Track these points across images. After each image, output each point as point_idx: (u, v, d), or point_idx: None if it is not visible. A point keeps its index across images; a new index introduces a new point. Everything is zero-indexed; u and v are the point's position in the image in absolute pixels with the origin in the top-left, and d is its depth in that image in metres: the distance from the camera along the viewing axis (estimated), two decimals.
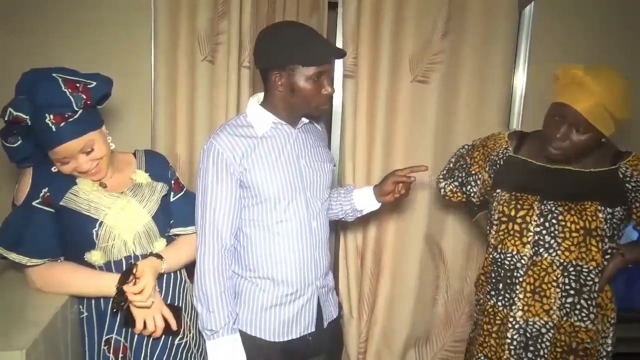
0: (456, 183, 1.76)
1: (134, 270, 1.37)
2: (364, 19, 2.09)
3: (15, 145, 1.35)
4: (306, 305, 1.56)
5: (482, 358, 1.63)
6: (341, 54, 1.47)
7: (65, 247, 1.41)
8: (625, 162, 1.50)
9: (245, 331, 1.51)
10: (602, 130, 1.43)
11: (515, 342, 1.53)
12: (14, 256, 1.34)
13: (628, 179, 1.48)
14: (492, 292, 1.59)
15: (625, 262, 1.50)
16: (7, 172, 1.97)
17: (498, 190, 1.59)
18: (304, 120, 1.54)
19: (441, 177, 1.84)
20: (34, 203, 1.36)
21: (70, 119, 1.31)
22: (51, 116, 1.29)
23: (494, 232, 1.58)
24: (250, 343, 1.51)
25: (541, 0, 2.23)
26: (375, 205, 1.72)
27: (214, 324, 1.44)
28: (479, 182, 1.69)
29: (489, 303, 1.60)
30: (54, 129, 1.29)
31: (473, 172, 1.70)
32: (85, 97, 1.33)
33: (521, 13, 2.22)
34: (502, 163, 1.61)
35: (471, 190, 1.72)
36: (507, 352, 1.54)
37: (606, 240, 1.47)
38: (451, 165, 1.82)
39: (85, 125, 1.35)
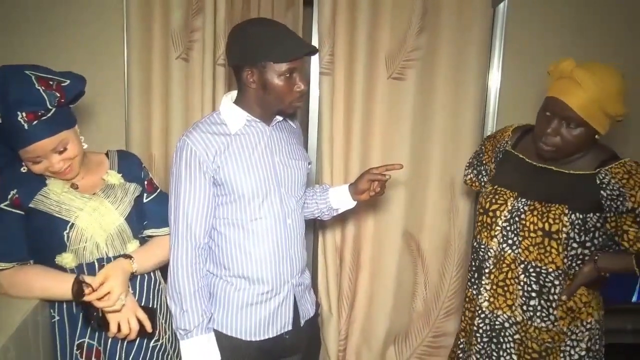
0: (475, 172, 1.74)
1: (81, 278, 1.33)
2: (339, 16, 2.09)
3: None
4: (282, 303, 1.55)
5: (463, 342, 1.68)
6: (312, 50, 1.46)
7: (35, 250, 1.37)
8: (607, 168, 1.41)
9: (220, 331, 1.50)
10: (594, 125, 1.37)
11: (481, 331, 1.56)
12: None
13: (604, 186, 1.39)
14: (470, 280, 1.62)
15: (597, 270, 1.42)
16: None
17: (487, 183, 1.61)
18: (278, 118, 1.52)
19: (467, 164, 1.82)
20: (2, 205, 1.32)
21: (44, 117, 1.27)
22: (23, 114, 1.24)
23: (476, 222, 1.62)
24: (226, 343, 1.49)
25: None
26: (351, 203, 1.72)
27: (187, 324, 1.42)
28: (488, 171, 1.67)
29: (469, 290, 1.63)
30: (26, 127, 1.25)
31: (484, 162, 1.70)
32: (59, 95, 1.30)
33: (495, 10, 2.24)
34: (501, 156, 1.62)
35: (482, 179, 1.70)
36: (475, 338, 1.58)
37: (575, 245, 1.42)
38: (474, 154, 1.80)
39: (59, 124, 1.31)
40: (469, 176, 1.78)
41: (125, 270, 1.38)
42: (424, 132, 2.23)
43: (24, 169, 1.37)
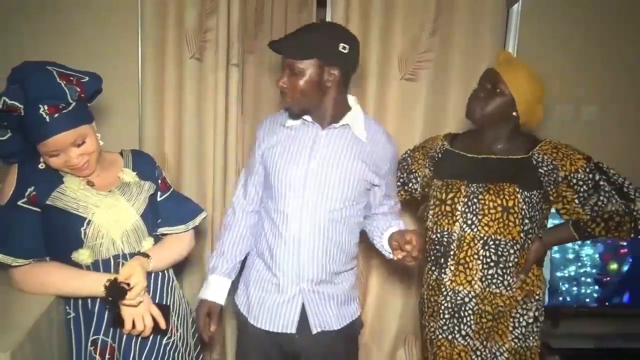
0: (400, 182, 1.88)
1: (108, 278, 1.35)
2: (352, 16, 2.09)
3: (4, 138, 1.33)
4: (287, 303, 1.59)
5: (432, 325, 1.74)
6: (274, 47, 1.53)
7: (51, 247, 1.38)
8: (538, 148, 1.64)
9: (242, 312, 1.68)
10: (515, 96, 1.60)
11: (443, 307, 1.69)
12: None
13: (540, 164, 1.62)
14: (433, 267, 1.73)
15: (544, 245, 1.66)
16: None
17: (435, 180, 1.75)
18: (335, 124, 1.57)
19: None
20: (19, 202, 1.33)
21: (65, 110, 1.30)
22: (45, 107, 1.27)
23: (430, 216, 1.73)
24: (245, 328, 1.67)
25: None
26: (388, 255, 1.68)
27: (214, 263, 1.70)
28: (419, 178, 1.84)
29: (432, 277, 1.73)
30: (47, 120, 1.28)
31: (414, 170, 1.85)
32: (79, 90, 1.33)
33: (509, 11, 2.24)
34: (439, 156, 1.78)
35: (412, 187, 1.87)
36: (439, 314, 1.70)
37: (526, 220, 1.61)
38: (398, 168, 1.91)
39: (79, 117, 1.34)
40: None
41: (143, 268, 1.40)
42: (436, 133, 2.21)
43: (41, 165, 1.39)
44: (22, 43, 2.03)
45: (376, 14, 2.09)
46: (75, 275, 1.37)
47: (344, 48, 1.49)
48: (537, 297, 1.68)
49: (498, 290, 1.64)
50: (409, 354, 2.39)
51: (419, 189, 1.86)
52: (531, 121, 1.69)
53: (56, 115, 1.29)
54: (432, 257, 1.73)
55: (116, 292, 1.33)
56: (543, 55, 2.25)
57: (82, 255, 1.38)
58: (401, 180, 1.88)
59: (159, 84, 2.08)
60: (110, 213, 1.40)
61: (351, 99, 1.63)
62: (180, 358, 1.54)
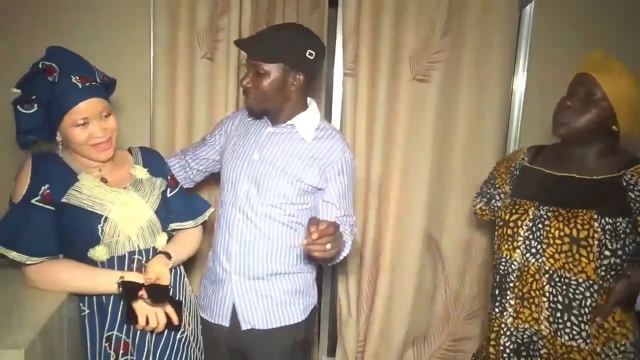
0: (485, 199, 1.70)
1: (122, 279, 1.39)
2: (364, 17, 2.09)
3: (30, 112, 1.35)
4: (219, 292, 1.63)
5: None
6: (241, 46, 1.58)
7: (66, 245, 1.40)
8: (633, 169, 1.38)
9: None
10: (615, 108, 1.35)
11: (508, 350, 1.49)
12: (13, 254, 1.32)
13: (632, 187, 1.35)
14: (491, 299, 1.57)
15: (631, 285, 1.35)
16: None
17: (507, 199, 1.55)
18: (289, 122, 1.59)
19: (476, 194, 1.79)
20: (33, 201, 1.34)
21: (94, 83, 1.40)
22: (77, 77, 1.36)
23: (495, 239, 1.55)
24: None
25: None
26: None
27: None
28: (502, 195, 1.63)
29: (492, 311, 1.57)
30: (80, 87, 1.35)
31: (497, 185, 1.66)
32: (102, 73, 1.45)
33: (521, 12, 2.22)
34: (517, 173, 1.59)
35: (495, 204, 1.65)
36: (503, 359, 1.51)
37: (607, 253, 1.34)
38: (484, 182, 1.77)
39: (106, 93, 1.45)
40: (478, 205, 1.74)
41: (166, 265, 1.46)
42: (447, 134, 2.22)
43: (59, 145, 1.41)
44: (34, 43, 2.04)
45: (387, 14, 2.08)
46: (88, 273, 1.38)
47: (310, 54, 1.50)
48: (622, 349, 1.38)
49: (575, 344, 1.38)
50: (417, 355, 2.38)
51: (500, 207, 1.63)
52: (631, 134, 1.43)
53: (87, 84, 1.37)
54: (494, 285, 1.55)
55: (159, 293, 1.38)
56: (556, 58, 2.23)
57: (99, 252, 1.39)
58: (487, 196, 1.69)
59: (170, 83, 2.09)
60: (125, 210, 1.42)
61: (310, 102, 1.65)
62: (192, 352, 1.57)
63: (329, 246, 1.32)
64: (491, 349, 1.56)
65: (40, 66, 1.34)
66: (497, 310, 1.53)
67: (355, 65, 2.12)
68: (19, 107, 1.34)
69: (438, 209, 2.27)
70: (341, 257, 1.58)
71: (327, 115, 2.28)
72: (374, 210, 2.22)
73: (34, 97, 1.34)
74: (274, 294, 1.60)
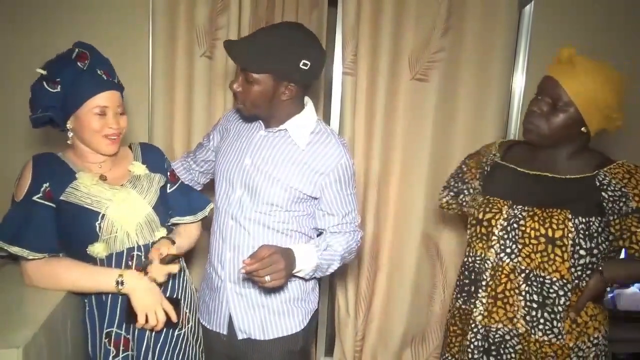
0: (452, 194, 1.68)
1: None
2: (363, 16, 2.09)
3: (53, 91, 1.37)
4: (216, 299, 1.60)
5: (449, 358, 1.62)
6: (230, 53, 1.42)
7: (66, 242, 1.40)
8: (606, 169, 1.37)
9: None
10: (582, 112, 1.33)
11: (472, 346, 1.48)
12: (15, 249, 1.33)
13: (605, 187, 1.34)
14: (459, 294, 1.56)
15: (604, 281, 1.36)
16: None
17: (478, 195, 1.54)
18: (282, 127, 1.50)
19: (442, 187, 1.77)
20: (34, 198, 1.35)
21: (114, 80, 1.46)
22: (102, 70, 1.43)
23: (467, 236, 1.54)
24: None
25: None
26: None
27: None
28: (471, 190, 1.60)
29: (456, 304, 1.57)
30: (105, 78, 1.42)
31: (466, 180, 1.64)
32: (117, 77, 1.50)
33: (521, 12, 2.22)
34: (489, 169, 1.57)
35: (464, 199, 1.63)
36: (467, 354, 1.50)
37: (582, 253, 1.35)
38: (452, 175, 1.75)
39: (123, 90, 1.50)
40: (445, 199, 1.72)
41: (171, 245, 1.49)
42: (446, 134, 2.22)
43: (69, 134, 1.43)
44: (33, 41, 2.04)
45: (387, 13, 2.08)
46: (86, 271, 1.39)
47: (304, 65, 1.37)
48: (595, 342, 1.40)
49: (547, 338, 1.39)
50: (415, 354, 2.39)
51: (469, 202, 1.61)
52: (610, 128, 1.41)
53: (109, 79, 1.44)
54: (465, 281, 1.54)
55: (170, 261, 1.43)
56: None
57: (98, 249, 1.40)
58: (455, 190, 1.67)
59: (169, 81, 2.08)
60: (123, 206, 1.43)
61: (307, 102, 1.55)
62: (190, 349, 1.58)
63: (267, 278, 1.30)
64: (457, 342, 1.56)
65: (76, 51, 1.41)
66: (465, 306, 1.53)
67: (355, 64, 2.12)
68: (44, 82, 1.38)
69: (436, 208, 2.27)
70: (330, 271, 1.54)
71: (326, 115, 2.28)
72: (372, 209, 2.22)
73: (58, 79, 1.37)
74: (270, 304, 1.54)
